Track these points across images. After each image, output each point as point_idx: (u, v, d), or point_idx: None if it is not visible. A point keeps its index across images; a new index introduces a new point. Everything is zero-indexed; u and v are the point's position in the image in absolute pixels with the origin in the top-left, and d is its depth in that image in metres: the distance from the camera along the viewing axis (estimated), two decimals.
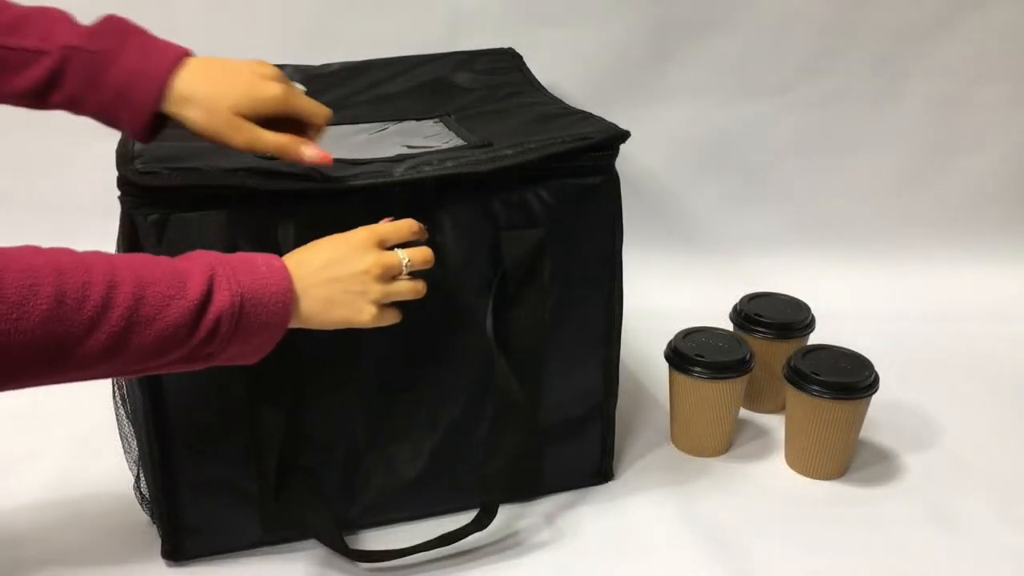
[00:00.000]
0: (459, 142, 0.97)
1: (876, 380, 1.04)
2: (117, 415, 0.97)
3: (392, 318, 0.81)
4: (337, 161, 0.86)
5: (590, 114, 1.02)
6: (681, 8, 1.38)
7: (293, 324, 0.76)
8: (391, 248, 0.81)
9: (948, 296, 1.45)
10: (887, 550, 0.96)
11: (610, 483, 1.06)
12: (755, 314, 1.15)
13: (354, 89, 1.14)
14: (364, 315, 0.79)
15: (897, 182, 1.49)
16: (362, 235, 0.79)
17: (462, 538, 0.92)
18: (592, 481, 1.05)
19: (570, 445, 1.02)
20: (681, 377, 1.07)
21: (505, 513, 0.99)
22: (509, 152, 0.90)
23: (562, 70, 1.40)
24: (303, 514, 0.92)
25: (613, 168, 0.95)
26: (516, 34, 1.38)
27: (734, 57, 1.42)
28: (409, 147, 0.97)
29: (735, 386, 1.08)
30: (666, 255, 1.50)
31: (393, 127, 1.05)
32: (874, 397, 1.04)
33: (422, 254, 0.81)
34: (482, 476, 0.97)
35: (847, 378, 1.03)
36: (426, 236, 0.83)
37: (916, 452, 1.12)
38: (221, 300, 0.71)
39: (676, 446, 1.12)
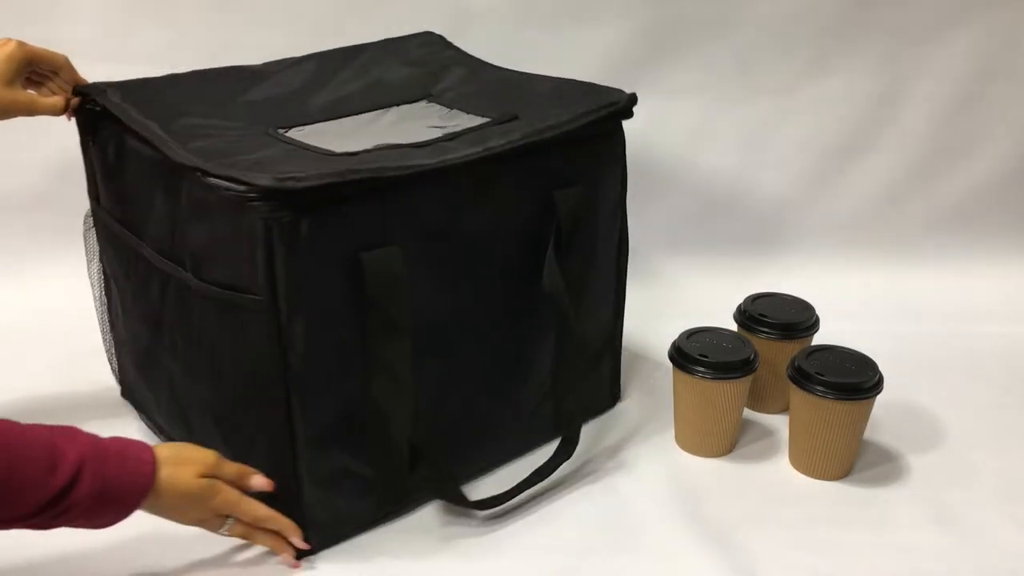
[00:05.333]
0: (477, 119, 1.03)
1: (880, 381, 1.04)
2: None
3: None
4: (397, 146, 0.92)
5: (570, 79, 1.13)
6: (683, 8, 1.38)
7: (142, 510, 0.84)
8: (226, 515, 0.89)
9: (953, 297, 1.45)
10: (891, 550, 0.96)
11: (614, 483, 1.06)
12: (759, 314, 1.15)
13: (317, 81, 1.12)
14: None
15: (901, 182, 1.49)
16: (217, 503, 0.87)
17: (556, 468, 1.02)
18: (608, 404, 1.18)
19: (594, 375, 1.15)
20: (685, 377, 1.07)
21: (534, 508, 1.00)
22: (554, 122, 0.99)
23: (562, 70, 1.39)
24: (427, 481, 0.97)
25: (621, 125, 1.07)
26: (516, 34, 1.39)
27: (736, 57, 1.42)
28: (435, 127, 1.01)
29: (739, 386, 1.07)
30: (669, 255, 1.50)
31: (391, 113, 1.06)
32: (878, 398, 1.04)
33: (243, 532, 0.90)
34: (560, 411, 1.07)
35: (851, 379, 1.02)
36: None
37: (920, 453, 1.11)
38: (80, 491, 0.77)
39: (680, 446, 1.12)
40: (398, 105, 1.08)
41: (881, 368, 1.05)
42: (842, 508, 1.02)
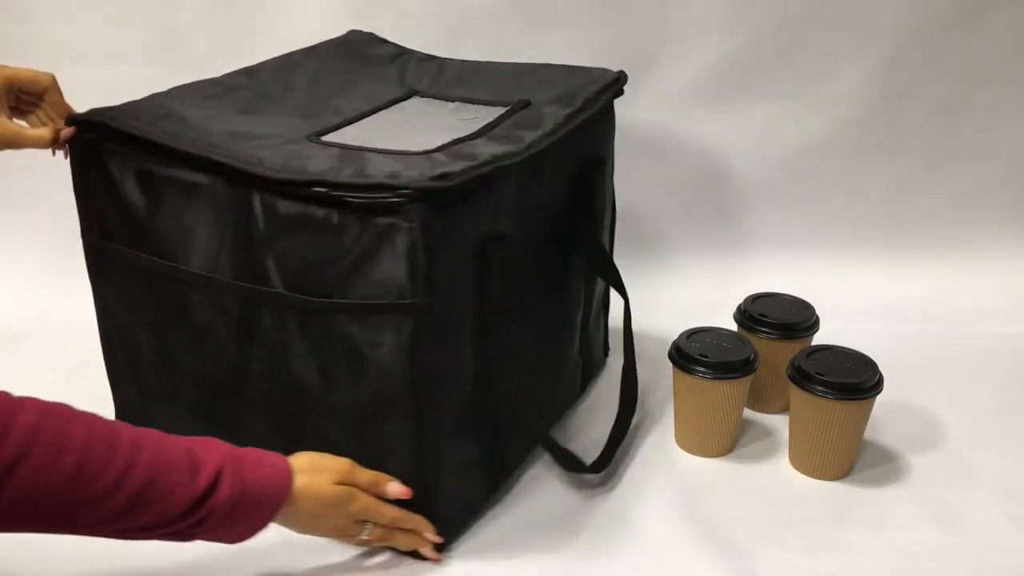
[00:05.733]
0: (489, 108, 1.07)
1: (880, 380, 1.04)
2: None
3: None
4: (461, 140, 0.94)
5: (527, 63, 1.19)
6: (686, 9, 1.38)
7: (277, 523, 0.85)
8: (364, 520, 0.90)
9: (953, 297, 1.45)
10: (891, 550, 0.96)
11: (614, 483, 1.06)
12: (759, 314, 1.15)
13: (283, 91, 1.10)
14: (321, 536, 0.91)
15: (901, 183, 1.49)
16: (355, 509, 0.88)
17: (628, 426, 1.10)
18: (603, 360, 1.30)
19: (596, 332, 1.25)
20: (685, 377, 1.07)
21: (517, 494, 1.01)
22: (584, 99, 1.06)
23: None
24: (555, 452, 1.03)
25: (612, 104, 1.16)
26: (515, 35, 1.38)
27: (737, 58, 1.41)
28: (464, 119, 1.04)
29: (739, 386, 1.07)
30: (670, 255, 1.50)
31: (397, 112, 1.07)
32: (878, 397, 1.04)
33: (382, 535, 0.91)
34: (585, 370, 1.21)
35: (851, 379, 1.02)
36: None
37: (920, 452, 1.11)
38: (221, 495, 0.78)
39: (680, 446, 1.12)
40: (392, 104, 1.09)
41: (881, 368, 1.05)
42: (842, 508, 1.02)
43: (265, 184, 0.86)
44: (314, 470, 0.85)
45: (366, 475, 0.89)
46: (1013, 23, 1.40)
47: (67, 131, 0.93)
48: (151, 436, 0.77)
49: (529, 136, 0.95)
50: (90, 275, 1.01)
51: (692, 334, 1.11)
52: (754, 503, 1.03)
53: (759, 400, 1.17)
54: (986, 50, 1.41)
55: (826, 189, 1.49)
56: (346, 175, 0.84)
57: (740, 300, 1.19)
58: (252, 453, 0.82)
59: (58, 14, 1.36)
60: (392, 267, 0.83)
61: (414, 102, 1.10)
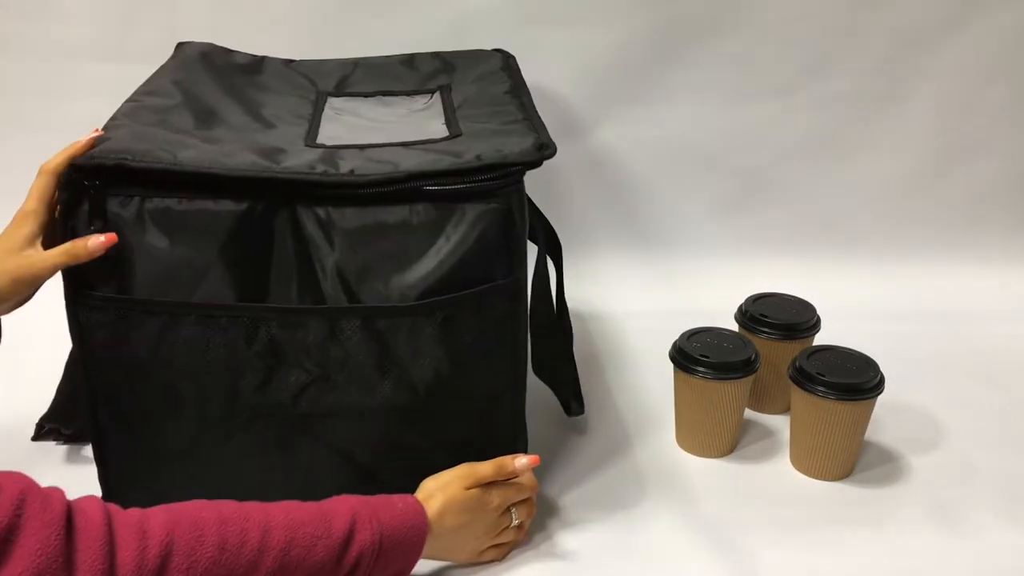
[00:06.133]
0: (422, 97, 1.11)
1: (882, 381, 1.04)
2: None
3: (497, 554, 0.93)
4: (456, 134, 0.96)
5: (406, 54, 1.23)
6: (684, 9, 1.38)
7: (436, 557, 0.89)
8: (508, 506, 0.92)
9: (954, 297, 1.45)
10: (892, 551, 0.96)
11: (614, 484, 1.05)
12: (760, 314, 1.15)
13: (217, 103, 1.04)
14: (479, 558, 0.92)
15: (902, 183, 1.49)
16: (496, 501, 0.90)
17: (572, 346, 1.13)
18: None
19: None
20: (686, 377, 1.07)
21: None
22: (508, 77, 1.14)
23: (565, 70, 1.40)
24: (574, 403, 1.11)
25: None
26: (517, 34, 1.38)
27: (738, 58, 1.41)
28: (419, 110, 1.07)
29: (740, 386, 1.07)
30: (671, 255, 1.50)
31: (334, 113, 1.06)
32: (879, 398, 1.04)
33: (528, 510, 0.94)
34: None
35: (853, 379, 1.02)
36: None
37: (921, 453, 1.11)
38: (363, 538, 0.79)
39: (681, 447, 1.12)
40: (322, 106, 1.07)
41: (882, 368, 1.05)
42: (843, 508, 1.02)
43: (343, 192, 0.84)
44: (440, 488, 0.87)
45: (488, 466, 0.90)
46: (1013, 23, 1.40)
47: (97, 241, 0.82)
48: (277, 504, 0.79)
49: (511, 108, 1.00)
50: (82, 343, 0.88)
51: (693, 334, 1.11)
52: (755, 503, 1.03)
53: (760, 400, 1.17)
54: (986, 50, 1.41)
55: (827, 189, 1.49)
56: (445, 165, 0.85)
57: (741, 300, 1.19)
58: (380, 497, 0.84)
59: (59, 14, 1.36)
60: (489, 251, 0.87)
61: (340, 101, 1.09)
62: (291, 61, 1.22)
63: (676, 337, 1.11)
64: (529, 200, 0.94)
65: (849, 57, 1.42)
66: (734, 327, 1.16)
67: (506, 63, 1.18)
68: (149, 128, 0.91)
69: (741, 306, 1.18)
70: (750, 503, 1.03)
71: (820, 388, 1.02)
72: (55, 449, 1.08)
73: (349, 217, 0.85)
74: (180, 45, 1.19)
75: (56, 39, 1.37)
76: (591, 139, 1.44)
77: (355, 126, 1.01)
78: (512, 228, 0.87)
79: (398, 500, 0.84)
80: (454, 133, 0.95)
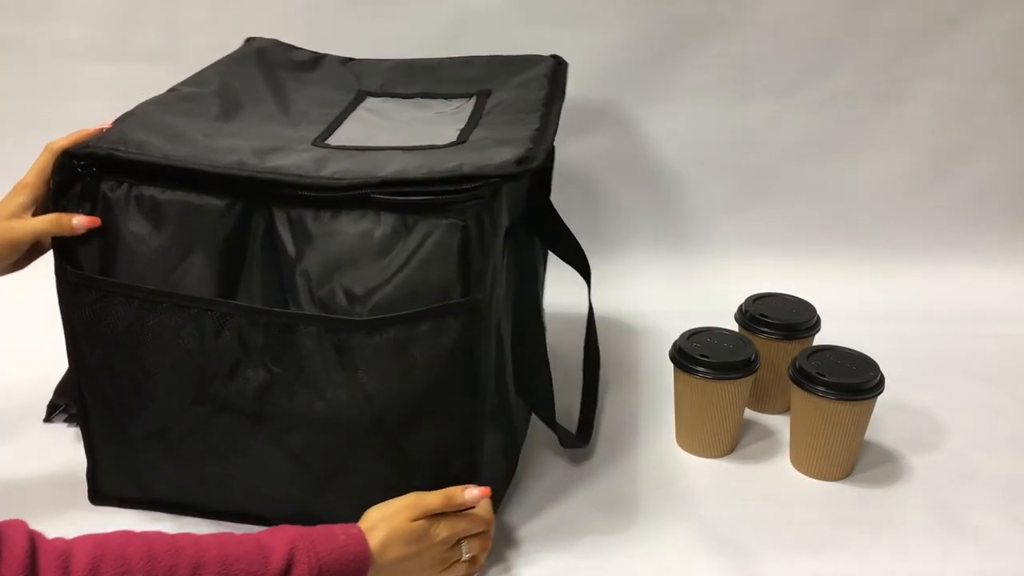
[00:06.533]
0: (455, 101, 1.08)
1: (882, 381, 1.04)
2: None
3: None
4: (467, 139, 0.94)
5: (468, 56, 1.20)
6: (686, 9, 1.38)
7: None
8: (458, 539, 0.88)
9: (954, 297, 1.45)
10: (892, 551, 0.96)
11: (614, 483, 1.05)
12: (760, 315, 1.15)
13: (235, 100, 1.05)
14: None
15: (902, 183, 1.49)
16: (444, 534, 0.86)
17: (597, 388, 1.15)
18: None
19: None
20: (686, 377, 1.07)
21: (507, 506, 1.00)
22: (547, 85, 1.10)
23: (568, 70, 1.39)
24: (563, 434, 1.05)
25: None
26: (517, 34, 1.38)
27: (739, 58, 1.41)
28: (448, 114, 1.06)
29: (740, 386, 1.07)
30: (671, 255, 1.50)
31: (362, 113, 1.06)
32: (879, 398, 1.04)
33: (481, 544, 0.90)
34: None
35: (853, 379, 1.02)
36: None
37: (921, 453, 1.11)
38: (300, 573, 0.77)
39: (681, 447, 1.12)
40: (353, 107, 1.07)
41: (882, 368, 1.05)
42: (843, 508, 1.02)
43: (314, 195, 0.83)
44: (385, 518, 0.84)
45: (435, 497, 0.87)
46: (1013, 23, 1.40)
47: (81, 220, 0.86)
48: (213, 537, 0.77)
49: (533, 118, 0.96)
50: (66, 316, 0.91)
51: (693, 334, 1.11)
52: (755, 503, 1.03)
53: (760, 400, 1.17)
54: (986, 50, 1.41)
55: (827, 189, 1.49)
56: (422, 173, 0.83)
57: (741, 300, 1.19)
58: (322, 528, 0.82)
59: (59, 14, 1.36)
60: (446, 267, 0.83)
61: (375, 102, 1.09)
62: (349, 60, 1.21)
63: (676, 337, 1.11)
64: (548, 218, 1.00)
65: (849, 57, 1.42)
66: (734, 327, 1.16)
67: (554, 70, 1.15)
68: (166, 117, 0.94)
69: (741, 306, 1.18)
70: (750, 503, 1.03)
71: (820, 388, 1.02)
72: (67, 431, 1.10)
73: (318, 221, 0.84)
74: (248, 40, 1.23)
75: (56, 39, 1.37)
76: (590, 139, 1.44)
77: (375, 127, 1.01)
78: (469, 246, 0.83)
79: (340, 532, 0.82)
80: (460, 140, 0.93)
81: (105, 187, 0.86)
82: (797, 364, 1.05)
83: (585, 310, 1.11)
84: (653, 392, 1.22)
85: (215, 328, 0.87)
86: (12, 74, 1.39)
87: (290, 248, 0.85)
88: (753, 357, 1.08)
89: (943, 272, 1.48)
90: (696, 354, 1.06)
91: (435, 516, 0.86)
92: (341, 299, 0.85)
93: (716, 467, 1.09)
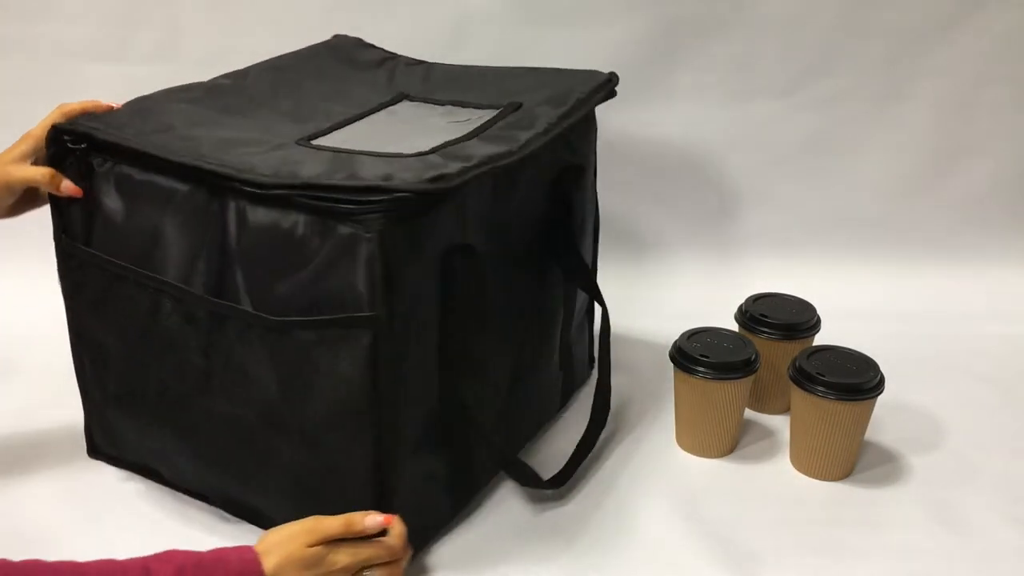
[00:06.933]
0: (480, 111, 1.04)
1: (882, 381, 1.04)
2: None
3: None
4: (453, 143, 0.92)
5: (516, 67, 1.17)
6: (686, 8, 1.38)
7: None
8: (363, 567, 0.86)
9: (954, 297, 1.45)
10: (892, 551, 0.96)
11: (614, 483, 1.06)
12: (760, 315, 1.15)
13: (275, 95, 1.07)
14: None
15: (902, 183, 1.49)
16: (344, 561, 0.84)
17: (598, 436, 1.08)
18: (589, 370, 1.26)
19: (581, 342, 1.23)
20: (686, 377, 1.07)
21: (510, 500, 1.00)
22: (578, 98, 1.04)
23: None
24: (514, 471, 1.00)
25: (594, 109, 1.12)
26: (517, 34, 1.38)
27: (738, 58, 1.41)
28: (455, 122, 1.02)
29: (740, 386, 1.07)
30: (671, 255, 1.50)
31: (387, 115, 1.05)
32: (879, 398, 1.04)
33: (388, 574, 0.87)
34: (567, 382, 1.18)
35: (853, 379, 1.02)
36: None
37: (921, 453, 1.11)
38: None
39: (681, 447, 1.12)
40: (383, 108, 1.06)
41: (882, 368, 1.05)
42: (843, 509, 1.02)
43: (250, 190, 0.83)
44: (280, 543, 0.82)
45: (335, 523, 0.84)
46: (1013, 23, 1.40)
47: (68, 185, 0.92)
48: (98, 565, 0.75)
49: (524, 136, 0.94)
50: (60, 278, 0.99)
51: (693, 334, 1.11)
52: (755, 504, 1.03)
53: (760, 400, 1.17)
54: (986, 50, 1.41)
55: (827, 189, 1.49)
56: (339, 178, 0.81)
57: (741, 300, 1.19)
58: (215, 552, 0.80)
59: (60, 14, 1.36)
60: (351, 278, 0.82)
61: (404, 106, 1.08)
62: (419, 63, 1.20)
63: (676, 337, 1.11)
64: (565, 244, 1.04)
65: (849, 57, 1.42)
66: (734, 327, 1.16)
67: (592, 88, 1.08)
68: (170, 105, 0.99)
69: (741, 306, 1.18)
70: (750, 503, 1.03)
71: (820, 388, 1.02)
72: None
73: (254, 217, 0.85)
74: (335, 36, 1.26)
75: (56, 39, 1.37)
76: None
77: (378, 131, 0.99)
78: (380, 259, 0.81)
79: (234, 557, 0.80)
80: (430, 151, 0.90)
81: (95, 162, 0.92)
82: (797, 364, 1.05)
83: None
84: (653, 392, 1.22)
85: (167, 309, 0.91)
86: (12, 74, 1.39)
87: (232, 239, 0.86)
88: (753, 357, 1.08)
89: (943, 272, 1.48)
90: (696, 354, 1.06)
91: (336, 542, 0.84)
92: (266, 296, 0.86)
93: (716, 467, 1.09)
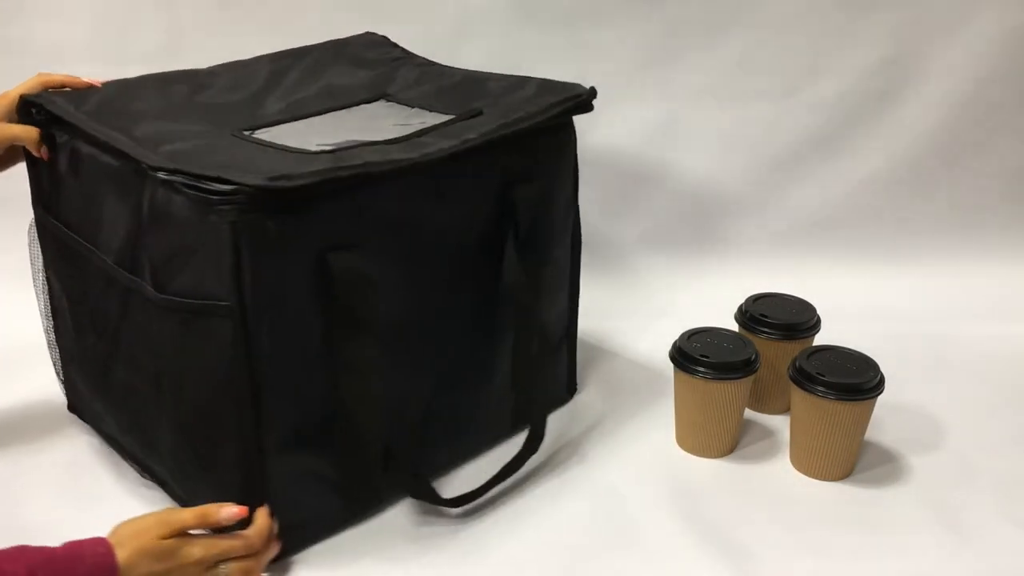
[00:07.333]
0: (441, 116, 1.02)
1: (882, 381, 1.04)
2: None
3: None
4: (371, 143, 0.92)
5: (525, 76, 1.13)
6: (684, 9, 1.38)
7: None
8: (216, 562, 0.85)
9: (953, 297, 1.45)
10: (893, 551, 0.96)
11: (614, 483, 1.05)
12: (760, 315, 1.15)
13: (268, 83, 1.10)
14: None
15: (902, 183, 1.49)
16: (198, 554, 0.83)
17: (523, 463, 1.03)
18: (566, 397, 1.20)
19: (553, 368, 1.17)
20: (686, 377, 1.07)
21: (504, 505, 1.00)
22: (524, 113, 1.00)
23: (567, 71, 1.39)
24: (400, 480, 0.98)
25: (572, 120, 1.08)
26: (517, 34, 1.38)
27: (738, 58, 1.41)
28: (400, 124, 1.00)
29: (740, 386, 1.07)
30: (671, 255, 1.50)
31: (353, 113, 1.05)
32: (879, 398, 1.04)
33: (243, 569, 0.86)
34: (521, 405, 1.09)
35: (853, 379, 1.02)
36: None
37: (921, 453, 1.11)
38: None
39: (681, 447, 1.12)
40: (356, 105, 1.07)
41: (882, 368, 1.05)
42: (843, 509, 1.02)
43: (145, 168, 0.86)
44: (133, 535, 0.81)
45: (189, 515, 0.84)
46: (1013, 23, 1.40)
47: (41, 149, 0.99)
48: None
49: (440, 144, 0.92)
50: (40, 244, 1.07)
51: (693, 334, 1.11)
52: (755, 504, 1.03)
53: (760, 400, 1.17)
54: (986, 50, 1.41)
55: (827, 189, 1.49)
56: (210, 169, 0.82)
57: (741, 300, 1.19)
58: (68, 547, 0.78)
59: (58, 15, 1.36)
60: (213, 268, 0.83)
61: (378, 105, 1.08)
62: (429, 65, 1.19)
63: (676, 337, 1.11)
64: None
65: (849, 57, 1.42)
66: (734, 327, 1.16)
67: (551, 103, 1.03)
68: (136, 90, 1.04)
69: (741, 306, 1.18)
70: (749, 503, 1.03)
71: (820, 388, 1.02)
72: None
73: (158, 197, 0.85)
74: (365, 32, 1.27)
75: (55, 40, 1.37)
76: (590, 139, 1.44)
77: (321, 127, 1.00)
78: (230, 249, 0.81)
79: (88, 552, 0.78)
80: (332, 151, 0.90)
81: (56, 134, 0.98)
82: (797, 364, 1.05)
83: None
84: (653, 392, 1.22)
85: (97, 280, 0.96)
86: (12, 74, 1.38)
87: (145, 217, 0.88)
88: (753, 357, 1.08)
89: (943, 272, 1.48)
90: (696, 354, 1.06)
91: (191, 534, 0.84)
92: (159, 275, 0.87)
93: (716, 467, 1.09)
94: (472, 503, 1.00)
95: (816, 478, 1.07)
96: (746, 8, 1.38)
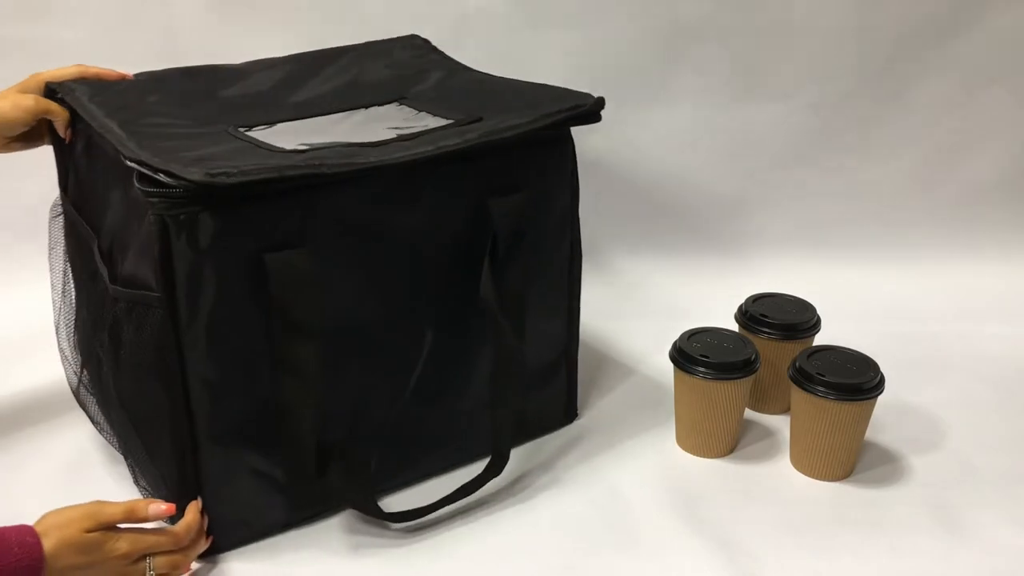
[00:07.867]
0: (442, 120, 1.01)
1: (882, 381, 1.04)
2: (99, 421, 1.03)
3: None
4: (348, 145, 0.92)
5: (545, 84, 1.10)
6: (685, 10, 1.38)
7: None
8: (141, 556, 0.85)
9: (954, 297, 1.45)
10: (893, 551, 0.96)
11: (614, 483, 1.05)
12: (760, 315, 1.15)
13: (294, 82, 1.11)
14: None
15: (902, 183, 1.49)
16: (123, 549, 0.83)
17: (482, 485, 1.00)
18: (563, 421, 1.14)
19: (545, 389, 1.11)
20: (686, 377, 1.07)
21: (503, 503, 1.00)
22: (512, 123, 0.96)
23: (567, 71, 1.40)
24: (336, 487, 0.95)
25: (569, 131, 1.04)
26: (517, 34, 1.38)
27: (738, 59, 1.41)
28: (395, 128, 0.99)
29: (740, 387, 1.07)
30: (671, 255, 1.50)
31: (359, 114, 1.05)
32: (880, 398, 1.04)
33: (171, 563, 0.87)
34: (492, 425, 1.02)
35: (853, 379, 1.02)
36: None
37: (921, 453, 1.11)
38: None
39: (681, 447, 1.12)
40: (368, 107, 1.06)
41: (882, 368, 1.05)
42: (843, 509, 1.02)
43: (122, 157, 0.87)
44: (58, 526, 0.81)
45: (117, 509, 0.84)
46: (1013, 23, 1.40)
47: (65, 129, 1.01)
48: None
49: (412, 151, 0.90)
50: (63, 230, 1.10)
51: (693, 334, 1.11)
52: (755, 504, 1.03)
53: (760, 400, 1.17)
54: (986, 50, 1.41)
55: (827, 189, 1.49)
56: (163, 163, 0.83)
57: (741, 300, 1.19)
58: None
59: (58, 15, 1.36)
60: (147, 259, 0.84)
61: (390, 108, 1.07)
62: (462, 70, 1.17)
63: (676, 337, 1.11)
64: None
65: (849, 57, 1.42)
66: (734, 327, 1.16)
67: (546, 113, 0.99)
68: (149, 83, 1.06)
69: (741, 306, 1.18)
70: (750, 503, 1.03)
71: (820, 388, 1.02)
72: None
73: (132, 188, 0.86)
74: (411, 35, 1.26)
75: (55, 40, 1.37)
76: (590, 139, 1.44)
77: (318, 127, 1.00)
78: (159, 242, 0.82)
79: (15, 541, 0.78)
80: (305, 151, 0.90)
81: (76, 118, 1.00)
82: (797, 364, 1.05)
83: None
84: (653, 392, 1.22)
85: (91, 262, 0.97)
86: (11, 75, 1.38)
87: (126, 205, 0.90)
88: (753, 357, 1.08)
89: (943, 272, 1.48)
90: (696, 354, 1.06)
91: (117, 529, 0.83)
92: (124, 263, 0.90)
93: (716, 467, 1.09)
94: (416, 520, 0.97)
95: (816, 478, 1.07)
96: (747, 8, 1.38)
